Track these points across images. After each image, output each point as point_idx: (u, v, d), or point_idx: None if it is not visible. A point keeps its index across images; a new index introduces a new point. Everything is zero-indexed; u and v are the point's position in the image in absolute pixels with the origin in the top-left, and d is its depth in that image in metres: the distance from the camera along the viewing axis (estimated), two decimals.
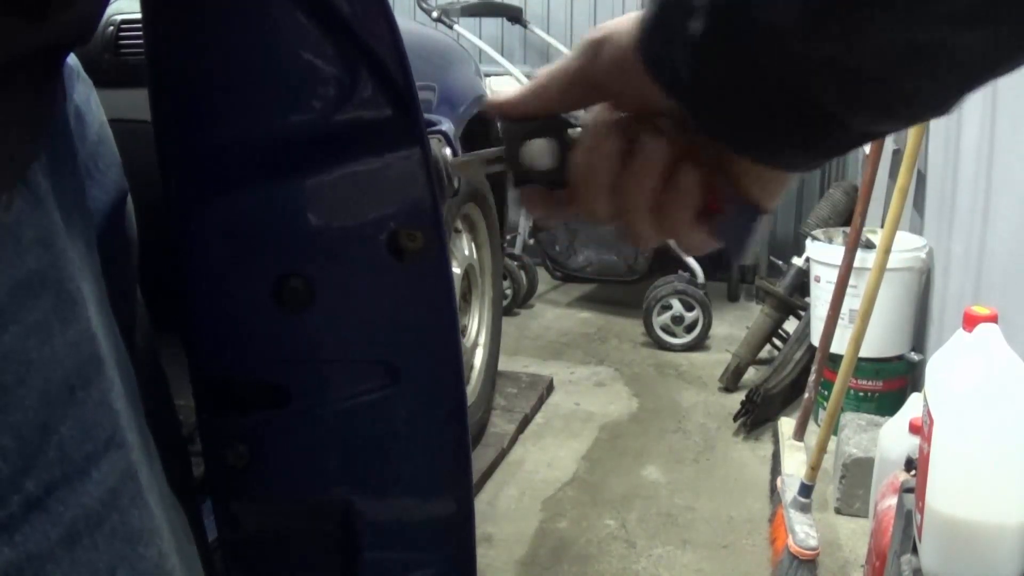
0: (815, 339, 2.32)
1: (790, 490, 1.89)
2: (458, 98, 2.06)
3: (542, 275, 3.57)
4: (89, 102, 0.63)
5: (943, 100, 0.35)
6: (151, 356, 0.67)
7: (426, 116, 0.51)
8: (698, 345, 3.10)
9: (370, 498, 0.57)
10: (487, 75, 2.86)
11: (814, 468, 1.86)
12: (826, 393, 2.13)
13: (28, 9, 0.35)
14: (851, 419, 2.18)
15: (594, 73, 0.44)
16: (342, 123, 0.49)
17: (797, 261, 2.73)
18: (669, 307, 3.10)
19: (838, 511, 2.08)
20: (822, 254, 2.40)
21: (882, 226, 1.94)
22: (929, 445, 1.29)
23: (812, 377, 2.04)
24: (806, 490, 1.86)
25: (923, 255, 2.32)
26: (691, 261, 3.16)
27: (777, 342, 2.80)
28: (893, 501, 1.51)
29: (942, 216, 2.32)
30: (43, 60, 0.39)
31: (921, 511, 1.32)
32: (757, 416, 2.50)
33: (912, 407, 1.76)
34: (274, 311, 0.51)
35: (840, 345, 2.01)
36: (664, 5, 0.39)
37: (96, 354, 0.40)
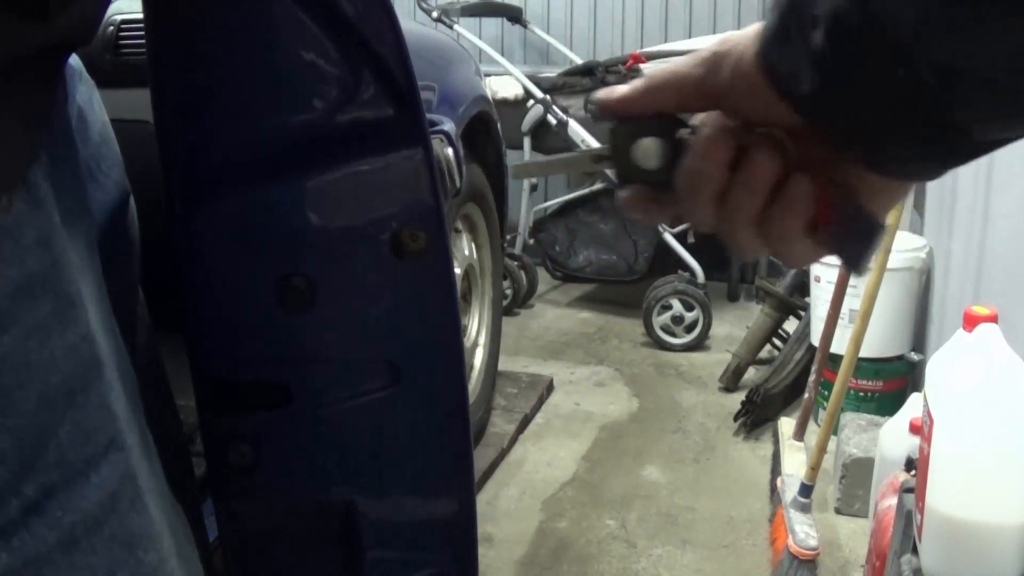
0: (815, 339, 2.32)
1: (790, 490, 1.89)
2: (458, 98, 2.06)
3: (542, 275, 3.57)
4: (92, 103, 0.62)
5: None
6: (152, 356, 0.67)
7: (428, 116, 0.51)
8: (698, 345, 3.10)
9: (371, 497, 0.57)
10: (487, 75, 2.86)
11: (814, 468, 1.86)
12: (826, 393, 2.13)
13: (28, 10, 0.35)
14: (851, 419, 2.19)
15: (715, 84, 0.43)
16: (345, 123, 0.49)
17: None
18: (669, 307, 3.10)
19: (838, 511, 2.08)
20: None
21: None
22: (929, 445, 1.29)
23: (812, 377, 2.04)
24: (806, 490, 1.86)
25: (923, 255, 2.32)
26: (691, 261, 3.16)
27: (777, 342, 2.80)
28: (893, 501, 1.51)
29: (942, 216, 2.32)
30: (44, 61, 0.39)
31: (921, 511, 1.32)
32: (757, 416, 2.50)
33: (912, 407, 1.76)
34: (276, 311, 0.51)
35: (840, 345, 2.01)
36: (785, 15, 0.38)
37: (96, 356, 0.40)
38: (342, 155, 0.50)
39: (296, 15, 0.48)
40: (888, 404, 2.25)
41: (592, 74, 3.09)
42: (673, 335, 3.11)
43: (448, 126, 0.53)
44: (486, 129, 2.23)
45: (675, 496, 2.19)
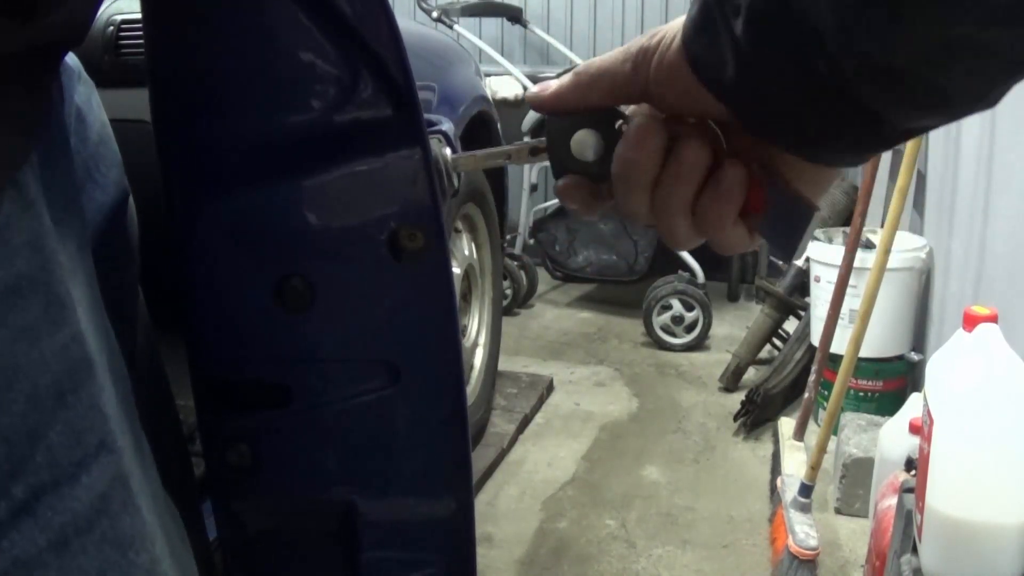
0: (815, 339, 2.33)
1: (790, 490, 1.89)
2: (458, 98, 2.06)
3: (542, 275, 3.57)
4: (91, 103, 0.62)
5: (985, 94, 0.35)
6: (152, 357, 0.67)
7: (426, 116, 0.51)
8: (698, 345, 3.10)
9: (370, 498, 0.57)
10: (487, 75, 2.86)
11: (814, 468, 1.86)
12: (826, 393, 2.14)
13: (14, 9, 0.35)
14: (851, 419, 2.19)
15: (643, 77, 0.44)
16: (343, 123, 0.50)
17: (797, 261, 2.73)
18: (669, 307, 3.10)
19: (838, 511, 2.08)
20: (822, 254, 2.41)
21: (882, 226, 1.94)
22: (929, 445, 1.29)
23: (812, 377, 2.04)
24: (806, 490, 1.86)
25: (923, 255, 2.32)
26: (691, 261, 3.16)
27: (777, 342, 2.80)
28: (893, 501, 1.51)
29: (942, 216, 2.32)
30: (33, 61, 0.39)
31: (921, 511, 1.32)
32: (757, 416, 2.50)
33: (912, 407, 1.76)
34: (275, 311, 0.51)
35: (840, 345, 2.01)
36: (709, 4, 0.39)
37: (86, 358, 0.40)
38: (340, 155, 0.50)
39: (294, 15, 0.48)
40: (888, 404, 2.25)
41: None
42: (673, 335, 3.11)
43: (446, 126, 0.53)
44: (486, 129, 2.23)
45: (675, 496, 2.19)
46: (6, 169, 0.36)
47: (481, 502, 2.11)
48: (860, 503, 2.05)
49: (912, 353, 2.36)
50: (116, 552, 0.40)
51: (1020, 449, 1.23)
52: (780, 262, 2.95)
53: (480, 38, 3.31)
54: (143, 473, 0.45)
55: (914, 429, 1.61)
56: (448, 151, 0.51)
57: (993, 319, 1.31)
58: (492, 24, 3.90)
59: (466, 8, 3.24)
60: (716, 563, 1.93)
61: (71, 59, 0.60)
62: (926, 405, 1.32)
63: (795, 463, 2.03)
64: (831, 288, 2.04)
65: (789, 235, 0.45)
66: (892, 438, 1.78)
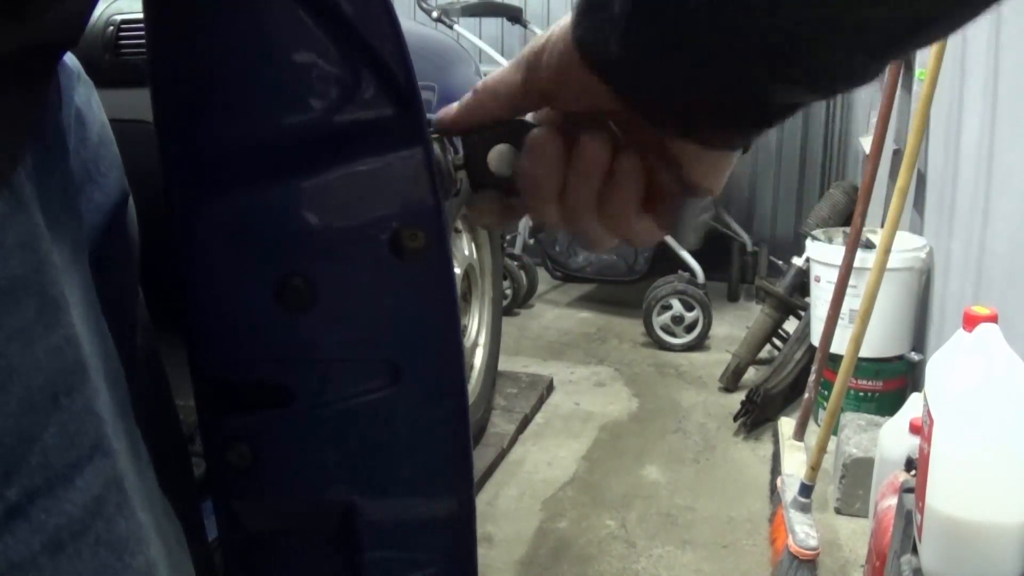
0: (815, 339, 2.33)
1: (790, 490, 1.89)
2: (458, 98, 2.05)
3: (542, 275, 3.57)
4: (91, 104, 0.62)
5: (863, 71, 0.36)
6: (152, 358, 0.67)
7: (428, 116, 0.52)
8: (698, 345, 3.10)
9: (371, 497, 0.57)
10: (487, 75, 2.86)
11: (814, 468, 1.86)
12: (826, 393, 2.14)
13: (6, 9, 0.34)
14: (851, 419, 2.19)
15: (537, 80, 0.44)
16: (344, 122, 0.50)
17: (797, 261, 2.73)
18: (669, 307, 3.10)
19: (838, 511, 2.08)
20: (822, 254, 2.41)
21: (882, 226, 1.94)
22: (929, 445, 1.29)
23: (812, 377, 2.04)
24: (806, 490, 1.86)
25: (923, 255, 2.32)
26: (691, 261, 3.16)
27: (777, 342, 2.80)
28: (893, 501, 1.51)
29: (942, 216, 2.32)
30: (27, 61, 0.39)
31: (921, 511, 1.32)
32: (757, 416, 2.50)
33: (912, 407, 1.76)
34: (275, 311, 0.51)
35: (840, 345, 2.01)
36: None
37: (80, 360, 0.40)
38: (341, 155, 0.50)
39: (295, 13, 0.48)
40: (888, 404, 2.25)
41: None
42: (673, 335, 3.11)
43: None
44: None
45: (675, 496, 2.19)
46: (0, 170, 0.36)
47: (481, 502, 2.11)
48: (860, 503, 2.05)
49: (912, 353, 2.36)
50: (111, 555, 0.40)
51: (1020, 449, 1.23)
52: (777, 262, 2.95)
53: (480, 38, 3.31)
54: (139, 476, 0.45)
55: (914, 429, 1.61)
56: (449, 151, 0.51)
57: (993, 319, 1.31)
58: (492, 24, 3.89)
59: (466, 8, 3.24)
60: (716, 563, 1.93)
61: (71, 60, 0.60)
62: (926, 405, 1.32)
63: (795, 463, 2.03)
64: (831, 288, 2.05)
65: (686, 222, 0.46)
66: (892, 438, 1.78)
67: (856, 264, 2.00)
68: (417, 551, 0.59)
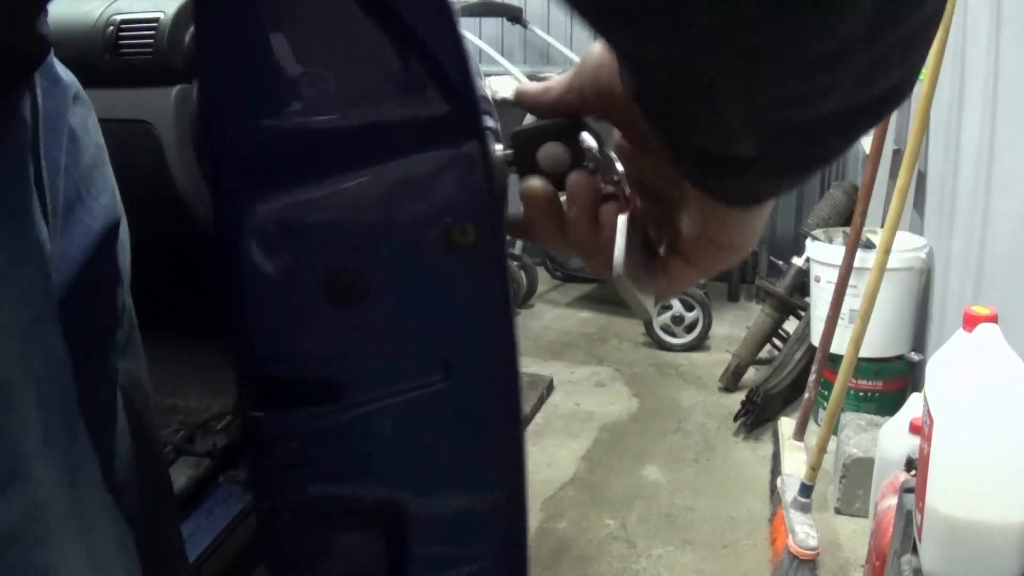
0: (815, 339, 2.33)
1: (790, 490, 1.89)
2: None
3: (542, 275, 3.58)
4: (87, 125, 0.61)
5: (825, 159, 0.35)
6: (135, 382, 0.67)
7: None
8: (698, 345, 3.10)
9: (420, 493, 0.57)
10: (487, 75, 2.86)
11: (814, 468, 1.86)
12: (826, 393, 2.14)
13: None
14: (851, 419, 2.19)
15: (599, 78, 0.44)
16: (398, 118, 0.50)
17: (797, 261, 2.73)
18: (669, 307, 3.10)
19: (838, 511, 2.08)
20: (822, 254, 2.41)
21: (882, 226, 1.94)
22: (929, 445, 1.29)
23: (812, 377, 2.04)
24: (806, 490, 1.86)
25: (923, 255, 2.32)
26: None
27: (777, 342, 2.80)
28: (893, 501, 1.51)
29: (942, 216, 2.32)
30: None
31: (921, 511, 1.32)
32: (757, 416, 2.50)
33: (912, 407, 1.76)
34: (326, 308, 0.51)
35: (840, 345, 2.01)
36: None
37: None
38: (395, 149, 0.50)
39: (349, 8, 0.48)
40: (888, 404, 2.25)
41: None
42: (673, 335, 3.11)
43: (493, 123, 0.54)
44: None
45: (675, 496, 2.19)
46: None
47: None
48: (860, 503, 2.05)
49: (912, 353, 2.36)
50: None
51: (1020, 449, 1.23)
52: (778, 262, 2.95)
53: (480, 38, 3.31)
54: (74, 503, 0.44)
55: (914, 429, 1.61)
56: (499, 147, 0.51)
57: (993, 319, 1.31)
58: (492, 24, 3.89)
59: (466, 8, 3.24)
60: (716, 563, 1.93)
61: (67, 77, 0.58)
62: (926, 405, 1.32)
63: (795, 463, 2.03)
64: (831, 288, 2.04)
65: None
66: (892, 438, 1.78)
67: (856, 264, 2.00)
68: (465, 545, 0.59)
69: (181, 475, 1.45)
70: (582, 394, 2.76)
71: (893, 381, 2.36)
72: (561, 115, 0.47)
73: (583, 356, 3.07)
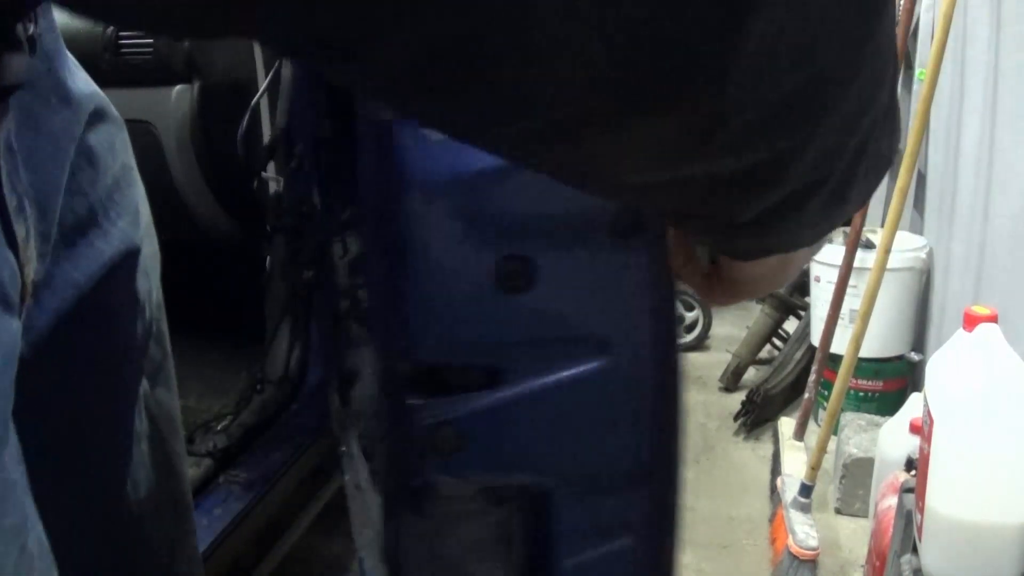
0: (815, 339, 2.32)
1: (790, 490, 1.89)
2: None
3: None
4: (112, 145, 0.58)
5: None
6: (161, 408, 0.66)
7: None
8: (698, 345, 3.10)
9: (573, 472, 0.58)
10: None
11: (814, 468, 1.86)
12: (826, 393, 2.14)
13: None
14: (851, 419, 2.19)
15: None
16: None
17: None
18: None
19: (838, 511, 2.08)
20: (822, 254, 2.40)
21: (882, 226, 1.94)
22: (929, 445, 1.29)
23: (812, 377, 2.04)
24: (806, 490, 1.86)
25: (923, 255, 2.32)
26: None
27: (777, 342, 2.80)
28: (893, 501, 1.51)
29: (942, 216, 2.32)
30: None
31: (921, 511, 1.32)
32: (757, 416, 2.50)
33: (912, 407, 1.76)
34: (495, 294, 0.52)
35: (840, 345, 2.01)
36: None
37: None
38: None
39: None
40: (888, 404, 2.25)
41: None
42: None
43: None
44: None
45: None
46: None
47: None
48: (860, 503, 2.05)
49: (912, 353, 2.36)
50: None
51: (1020, 449, 1.23)
52: None
53: None
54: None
55: (914, 429, 1.61)
56: None
57: (993, 319, 1.31)
58: None
59: None
60: (716, 563, 1.93)
61: (85, 93, 0.55)
62: (926, 405, 1.32)
63: (795, 463, 2.03)
64: (831, 288, 2.04)
65: None
66: (892, 438, 1.78)
67: (856, 264, 2.00)
68: (615, 521, 0.60)
69: None
70: None
71: (893, 381, 2.36)
72: None
73: None
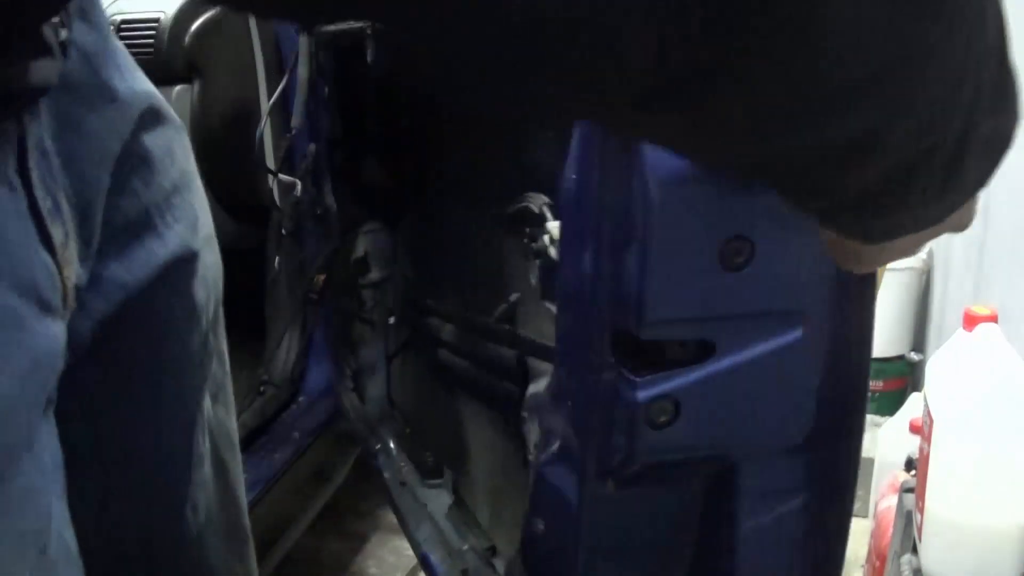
0: None
1: None
2: None
3: None
4: (171, 148, 0.57)
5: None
6: (224, 433, 0.66)
7: None
8: None
9: (766, 437, 0.61)
10: None
11: None
12: None
13: None
14: None
15: None
16: None
17: None
18: None
19: None
20: None
21: None
22: (929, 445, 1.29)
23: None
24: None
25: (923, 255, 2.32)
26: None
27: None
28: (893, 501, 1.51)
29: None
30: None
31: (921, 511, 1.32)
32: None
33: (912, 407, 1.76)
34: (717, 271, 0.55)
35: None
36: None
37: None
38: None
39: None
40: (888, 404, 2.25)
41: None
42: None
43: None
44: None
45: None
46: None
47: None
48: (860, 503, 2.05)
49: (912, 353, 2.36)
50: None
51: (1020, 449, 1.23)
52: None
53: None
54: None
55: (914, 429, 1.61)
56: None
57: (993, 319, 1.31)
58: None
59: None
60: None
61: (137, 93, 0.54)
62: (926, 405, 1.32)
63: None
64: None
65: None
66: (892, 438, 1.78)
67: None
68: (797, 480, 0.63)
69: None
70: None
71: (893, 381, 2.36)
72: None
73: None
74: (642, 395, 0.57)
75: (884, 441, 1.82)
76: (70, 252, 0.45)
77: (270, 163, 1.73)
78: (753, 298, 0.57)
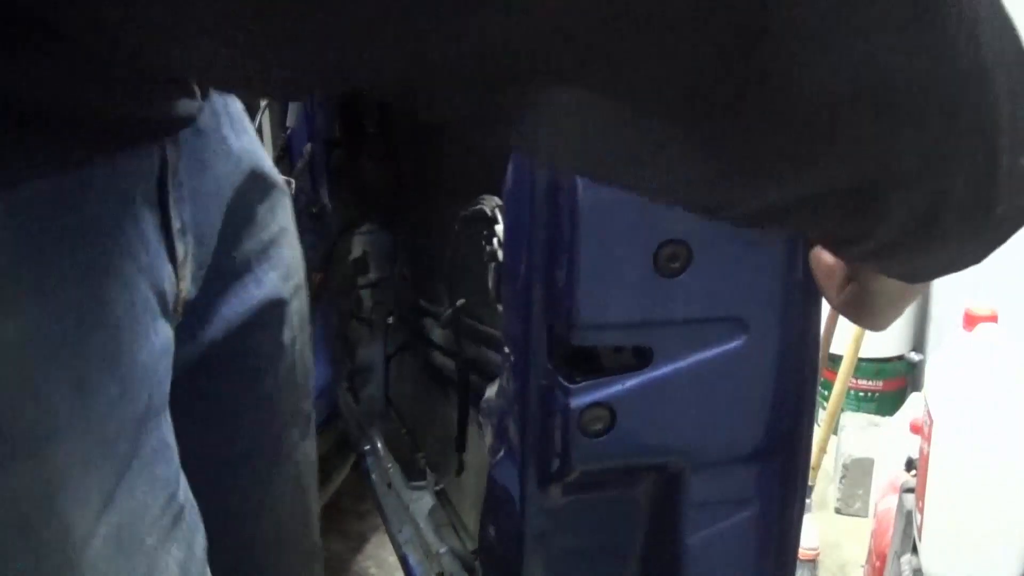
0: None
1: None
2: None
3: None
4: (273, 208, 0.63)
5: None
6: (309, 463, 0.72)
7: None
8: None
9: (707, 447, 0.60)
10: None
11: (814, 468, 1.86)
12: (826, 393, 2.13)
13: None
14: (851, 419, 2.18)
15: None
16: None
17: None
18: None
19: (838, 511, 2.08)
20: None
21: None
22: (929, 445, 1.29)
23: None
24: (806, 490, 1.85)
25: None
26: None
27: None
28: (893, 501, 1.51)
29: None
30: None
31: (921, 511, 1.32)
32: None
33: (912, 407, 1.76)
34: (652, 277, 0.54)
35: (840, 345, 2.01)
36: None
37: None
38: None
39: None
40: (888, 404, 2.25)
41: None
42: None
43: None
44: None
45: None
46: None
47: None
48: (860, 503, 2.05)
49: (912, 353, 2.36)
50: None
51: (1020, 449, 1.23)
52: None
53: None
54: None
55: (914, 429, 1.61)
56: None
57: (993, 319, 1.31)
58: None
59: None
60: None
61: (251, 153, 0.59)
62: (926, 405, 1.32)
63: None
64: None
65: None
66: (892, 438, 1.78)
67: None
68: (742, 493, 0.62)
69: None
70: None
71: (893, 381, 2.36)
72: None
73: None
74: (575, 402, 0.56)
75: (884, 441, 1.82)
76: (187, 269, 0.50)
77: None
78: (691, 304, 0.56)
